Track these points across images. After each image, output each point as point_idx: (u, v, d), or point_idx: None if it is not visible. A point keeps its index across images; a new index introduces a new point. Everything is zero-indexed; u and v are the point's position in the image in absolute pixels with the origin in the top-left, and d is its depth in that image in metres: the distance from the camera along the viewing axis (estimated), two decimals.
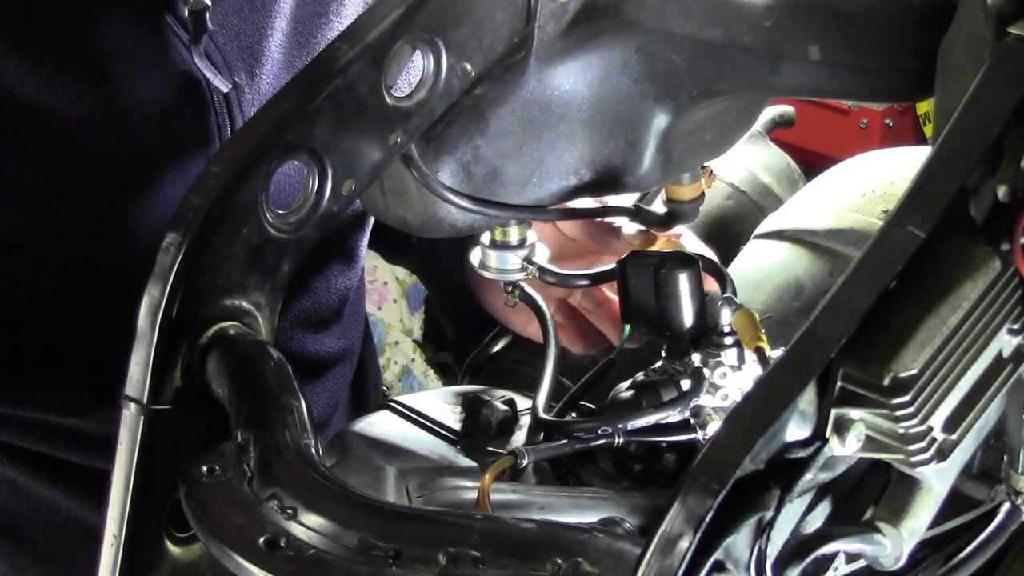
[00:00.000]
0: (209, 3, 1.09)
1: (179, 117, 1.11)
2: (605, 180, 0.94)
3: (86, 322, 1.13)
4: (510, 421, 0.95)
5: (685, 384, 0.90)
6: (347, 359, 1.36)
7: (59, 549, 1.20)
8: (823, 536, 0.68)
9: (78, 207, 1.09)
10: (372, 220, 1.34)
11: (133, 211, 1.11)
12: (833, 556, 0.71)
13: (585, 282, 1.01)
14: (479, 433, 0.95)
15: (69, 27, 1.07)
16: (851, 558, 0.72)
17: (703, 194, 1.01)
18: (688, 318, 0.91)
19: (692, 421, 0.88)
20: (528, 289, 1.01)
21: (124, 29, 1.09)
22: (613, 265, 0.97)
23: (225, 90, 1.12)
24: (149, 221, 1.11)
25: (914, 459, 0.65)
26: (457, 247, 1.19)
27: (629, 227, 1.08)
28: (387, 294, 3.03)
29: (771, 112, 1.52)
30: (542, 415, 0.93)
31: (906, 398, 0.64)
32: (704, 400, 0.88)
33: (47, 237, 1.09)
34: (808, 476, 0.65)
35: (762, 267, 1.14)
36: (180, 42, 1.11)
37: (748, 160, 1.42)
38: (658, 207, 1.03)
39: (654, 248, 1.06)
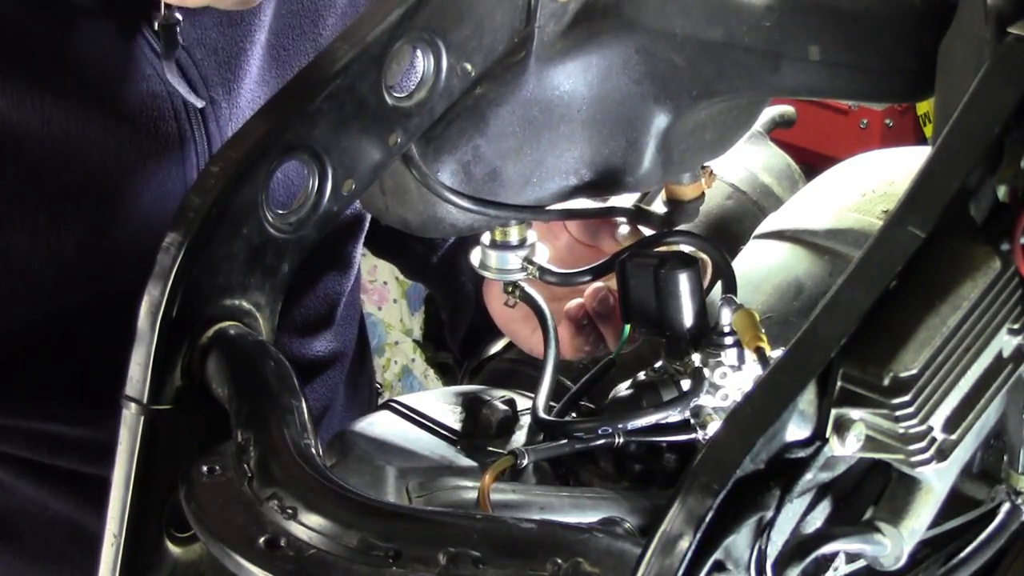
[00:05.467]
0: (180, 19, 1.08)
1: (154, 134, 1.11)
2: (605, 180, 0.94)
3: (66, 334, 1.13)
4: (510, 421, 0.95)
5: (685, 384, 0.90)
6: (338, 362, 1.36)
7: (47, 547, 1.21)
8: (823, 536, 0.68)
9: (54, 225, 1.09)
10: (367, 226, 1.34)
11: (110, 228, 1.10)
12: (833, 556, 0.71)
13: (587, 278, 1.01)
14: (479, 433, 0.95)
15: (41, 46, 1.07)
16: (851, 558, 0.72)
17: (703, 194, 1.01)
18: (688, 318, 0.91)
19: (692, 421, 0.88)
20: (528, 289, 1.01)
21: (98, 47, 1.09)
22: (611, 257, 0.97)
23: (200, 106, 1.12)
24: (126, 237, 1.11)
25: (914, 459, 0.65)
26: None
27: (623, 227, 1.08)
28: (387, 294, 3.03)
29: (771, 112, 1.52)
30: (542, 415, 0.93)
31: (906, 398, 0.64)
32: (704, 400, 0.88)
33: (23, 254, 1.08)
34: (808, 476, 0.65)
35: (762, 267, 1.14)
36: (156, 57, 1.10)
37: (748, 160, 1.42)
38: (658, 207, 1.03)
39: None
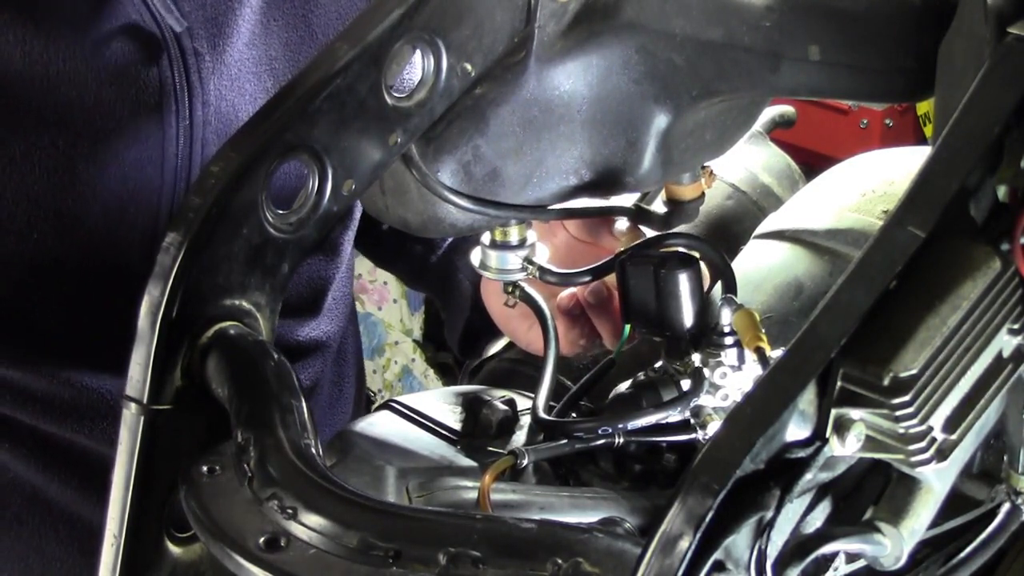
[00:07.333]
0: None
1: (134, 78, 1.12)
2: (605, 180, 0.94)
3: (33, 282, 1.14)
4: (510, 421, 0.95)
5: (685, 384, 0.90)
6: (320, 352, 1.35)
7: (5, 510, 1.22)
8: (823, 536, 0.68)
9: (28, 158, 1.10)
10: (358, 216, 1.34)
11: (82, 167, 1.12)
12: (833, 556, 0.71)
13: (587, 278, 1.01)
14: (479, 433, 0.95)
15: None
16: (851, 558, 0.72)
17: (703, 194, 1.01)
18: (688, 318, 0.91)
19: (692, 421, 0.89)
20: (528, 289, 1.01)
21: None
22: (611, 257, 0.97)
23: (179, 29, 1.13)
24: (98, 181, 1.12)
25: (914, 459, 0.65)
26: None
27: (621, 223, 1.08)
28: (387, 294, 3.03)
29: (771, 112, 1.52)
30: (542, 415, 0.93)
31: (906, 398, 0.64)
32: (704, 400, 0.88)
33: None
34: (808, 476, 0.65)
35: (762, 267, 1.14)
36: (144, 4, 1.11)
37: (748, 160, 1.42)
38: (658, 207, 1.03)
39: None
